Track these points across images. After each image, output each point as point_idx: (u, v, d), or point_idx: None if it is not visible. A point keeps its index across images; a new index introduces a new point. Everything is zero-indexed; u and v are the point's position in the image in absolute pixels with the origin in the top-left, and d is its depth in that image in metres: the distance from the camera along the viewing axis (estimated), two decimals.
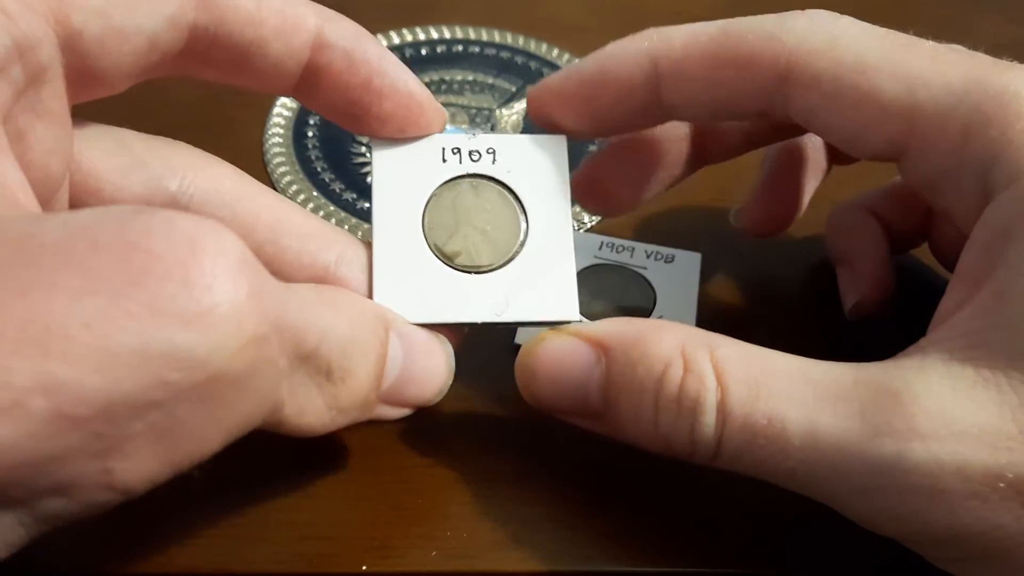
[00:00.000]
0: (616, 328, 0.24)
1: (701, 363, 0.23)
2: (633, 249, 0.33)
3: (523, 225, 0.26)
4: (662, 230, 0.34)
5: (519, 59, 0.41)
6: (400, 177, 0.26)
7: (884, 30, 0.25)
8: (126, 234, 0.18)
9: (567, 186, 0.27)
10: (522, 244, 0.26)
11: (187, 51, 0.24)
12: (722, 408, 0.23)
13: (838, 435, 0.22)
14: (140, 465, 0.18)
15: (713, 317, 0.31)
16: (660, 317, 0.31)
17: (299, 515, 0.26)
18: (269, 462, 0.27)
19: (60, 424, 0.16)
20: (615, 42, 0.27)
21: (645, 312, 0.31)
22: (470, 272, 0.26)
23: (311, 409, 0.22)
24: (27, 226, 0.18)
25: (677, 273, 0.32)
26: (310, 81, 0.26)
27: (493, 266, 0.26)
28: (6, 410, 0.16)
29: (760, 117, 0.26)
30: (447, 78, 0.40)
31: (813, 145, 0.31)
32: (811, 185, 0.32)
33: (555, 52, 0.41)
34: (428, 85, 0.39)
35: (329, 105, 0.26)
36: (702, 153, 0.29)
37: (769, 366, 0.23)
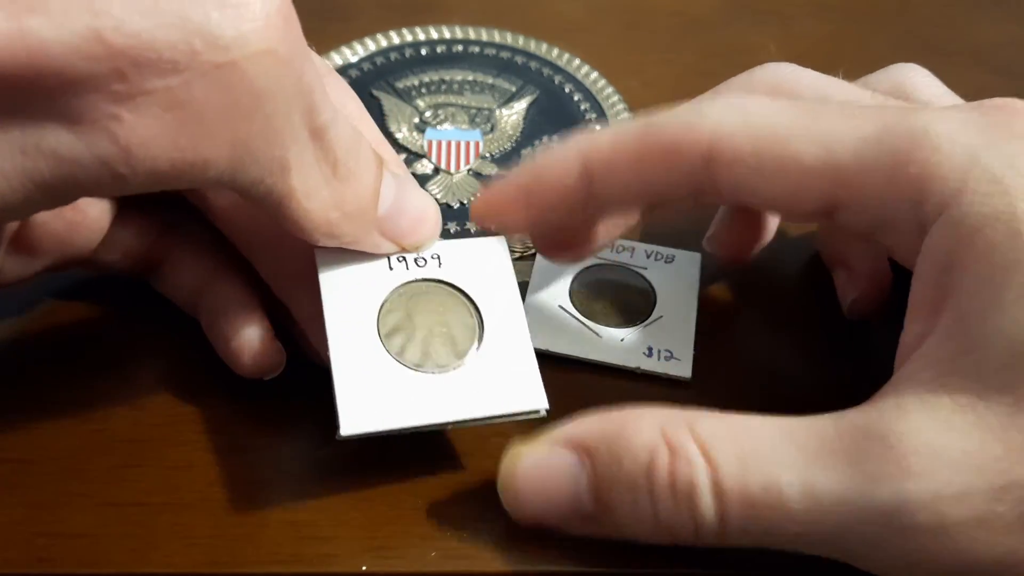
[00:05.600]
0: (592, 425, 0.24)
1: (685, 444, 0.23)
2: (633, 249, 0.33)
3: (477, 322, 0.27)
4: (662, 230, 0.34)
5: (519, 59, 0.41)
6: (349, 290, 0.26)
7: (792, 100, 0.26)
8: None
9: (514, 280, 0.28)
10: (480, 339, 0.27)
11: None
12: (717, 486, 0.23)
13: (836, 490, 0.22)
14: (147, 128, 0.20)
15: (713, 317, 0.31)
16: (660, 317, 0.31)
17: (299, 515, 0.26)
18: (270, 462, 0.28)
19: (94, 46, 0.19)
20: (546, 151, 0.27)
21: (645, 312, 0.31)
22: (432, 373, 0.26)
23: (317, 197, 0.24)
24: None
25: (677, 273, 0.32)
26: None
27: (455, 365, 0.26)
28: (53, 12, 0.18)
29: (690, 200, 0.27)
30: (447, 78, 0.40)
31: None
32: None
33: (555, 52, 0.41)
34: (428, 85, 0.40)
35: None
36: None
37: (751, 433, 0.23)
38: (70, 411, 0.28)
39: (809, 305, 0.33)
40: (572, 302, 0.31)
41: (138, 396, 0.29)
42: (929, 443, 0.21)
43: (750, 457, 0.23)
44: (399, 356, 0.26)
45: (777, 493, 0.22)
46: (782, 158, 0.25)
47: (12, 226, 0.26)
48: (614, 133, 0.27)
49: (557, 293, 0.31)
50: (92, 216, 0.28)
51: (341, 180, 0.24)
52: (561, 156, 0.27)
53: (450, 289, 0.27)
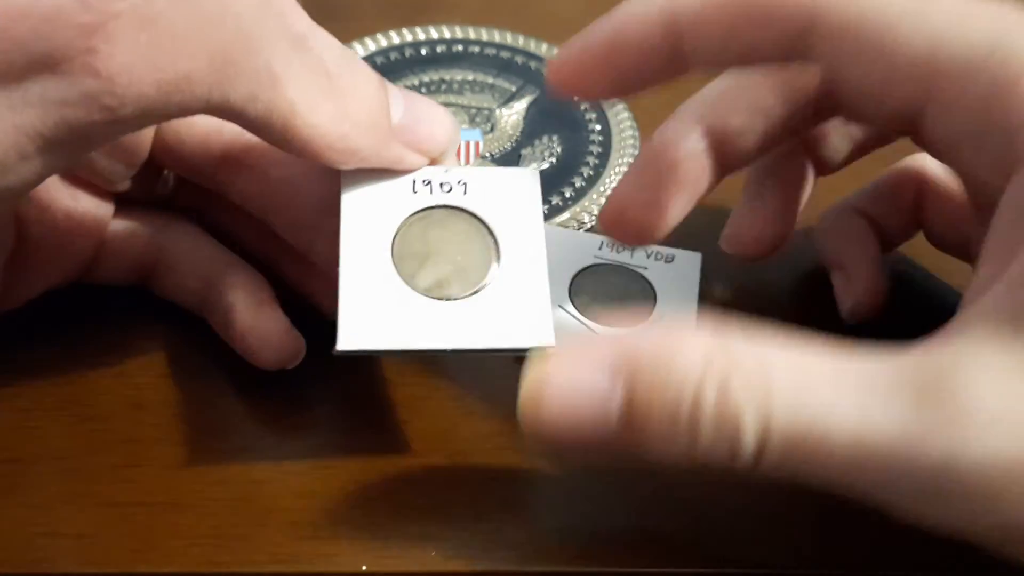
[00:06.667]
0: (632, 345, 0.22)
1: (737, 375, 0.21)
2: (633, 249, 0.33)
3: (495, 255, 0.26)
4: None
5: (519, 59, 0.41)
6: (369, 207, 0.26)
7: None
8: None
9: (540, 217, 0.27)
10: (494, 273, 0.26)
11: None
12: (764, 416, 0.21)
13: (889, 436, 0.20)
14: (124, 53, 0.20)
15: (713, 317, 0.31)
16: (660, 317, 0.31)
17: (299, 515, 0.26)
18: (270, 462, 0.28)
19: None
20: (626, 2, 0.26)
21: (645, 312, 0.31)
22: (442, 300, 0.25)
23: (322, 111, 0.23)
24: None
25: (677, 273, 0.32)
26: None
27: (465, 295, 0.25)
28: None
29: (786, 60, 0.25)
30: (447, 78, 0.40)
31: (797, 160, 0.31)
32: (801, 199, 0.31)
33: (555, 51, 0.41)
34: (428, 85, 0.39)
35: None
36: (722, 163, 0.28)
37: (805, 367, 0.21)
38: (70, 411, 0.28)
39: (811, 304, 0.33)
40: (572, 302, 0.31)
41: (138, 395, 0.29)
42: (993, 399, 0.20)
43: (802, 392, 0.21)
44: (409, 280, 0.25)
45: (823, 432, 0.20)
46: (882, 44, 0.23)
47: (7, 245, 0.26)
48: None
49: (557, 293, 0.31)
50: (86, 226, 0.28)
51: (342, 92, 0.24)
52: (645, 9, 0.25)
53: (472, 218, 0.26)
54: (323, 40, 0.24)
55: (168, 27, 0.20)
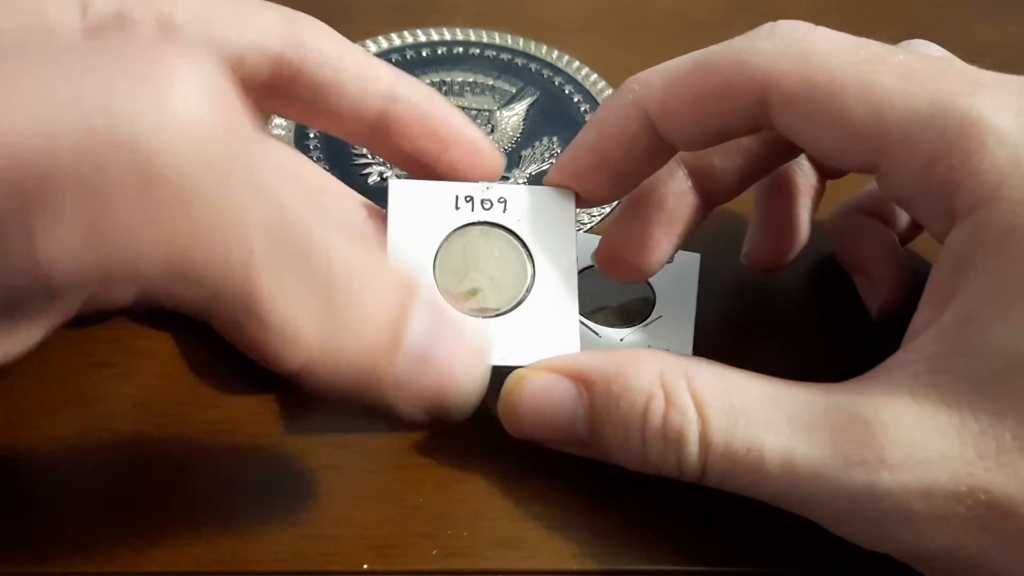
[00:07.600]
0: (595, 361, 0.25)
1: (681, 395, 0.24)
2: None
3: (530, 272, 0.28)
4: None
5: (519, 61, 0.41)
6: (414, 221, 0.27)
7: (857, 43, 0.25)
8: (118, 42, 0.20)
9: (573, 236, 0.28)
10: (528, 290, 0.27)
11: (271, 83, 0.27)
12: (704, 439, 0.24)
13: (813, 464, 0.23)
14: (66, 247, 0.17)
15: (712, 317, 0.32)
16: (659, 317, 0.31)
17: (300, 514, 0.26)
18: (271, 461, 0.28)
19: None
20: (602, 104, 0.28)
21: (645, 312, 0.31)
22: (478, 316, 0.27)
23: (301, 316, 0.20)
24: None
25: (677, 273, 0.32)
26: (382, 129, 0.29)
27: (499, 311, 0.27)
28: None
29: (755, 131, 0.27)
30: (447, 80, 0.40)
31: (802, 170, 0.31)
32: (808, 208, 0.32)
33: (555, 54, 0.41)
34: (429, 87, 0.40)
35: (399, 153, 0.29)
36: (707, 199, 0.30)
37: (745, 393, 0.24)
38: (72, 410, 0.28)
39: (809, 304, 0.33)
40: None
41: (140, 394, 0.29)
42: (909, 437, 0.22)
43: (739, 416, 0.23)
44: (450, 296, 0.27)
45: (758, 456, 0.23)
46: (831, 111, 0.24)
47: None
48: (665, 73, 0.27)
49: None
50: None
51: (337, 296, 0.20)
52: (619, 108, 0.27)
53: (509, 236, 0.28)
54: (329, 240, 0.20)
55: (120, 224, 0.18)
